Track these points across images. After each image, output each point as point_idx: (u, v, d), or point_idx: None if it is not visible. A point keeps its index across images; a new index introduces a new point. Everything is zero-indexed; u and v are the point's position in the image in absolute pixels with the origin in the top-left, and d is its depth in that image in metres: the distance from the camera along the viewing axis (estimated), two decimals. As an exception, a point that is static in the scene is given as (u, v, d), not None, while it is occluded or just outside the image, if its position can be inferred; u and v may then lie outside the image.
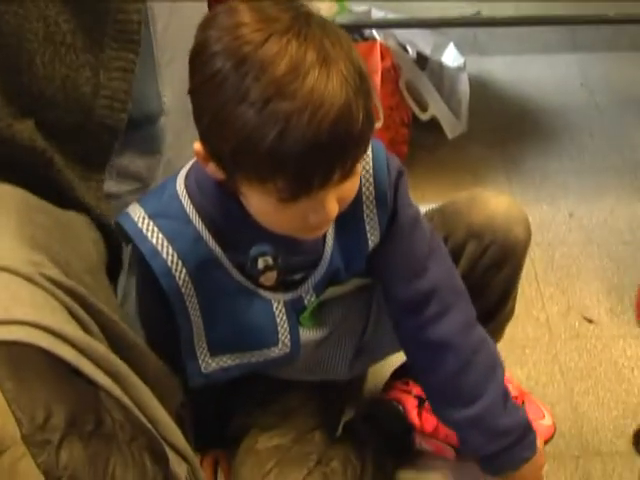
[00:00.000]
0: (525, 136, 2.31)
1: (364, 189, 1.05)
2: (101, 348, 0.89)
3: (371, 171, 1.05)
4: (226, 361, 1.13)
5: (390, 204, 1.08)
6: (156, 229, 1.01)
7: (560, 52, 2.61)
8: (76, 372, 0.85)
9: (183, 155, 1.27)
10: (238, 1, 0.88)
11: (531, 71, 2.56)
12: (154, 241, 1.01)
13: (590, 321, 1.79)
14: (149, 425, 0.91)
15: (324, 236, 1.08)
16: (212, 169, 0.94)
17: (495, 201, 1.23)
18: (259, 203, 0.93)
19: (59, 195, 1.07)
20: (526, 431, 1.20)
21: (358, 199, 1.02)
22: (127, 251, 1.11)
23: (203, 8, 1.23)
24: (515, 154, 2.25)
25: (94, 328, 0.93)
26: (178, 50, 1.18)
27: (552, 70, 2.55)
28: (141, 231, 1.01)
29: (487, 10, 2.48)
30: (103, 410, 0.85)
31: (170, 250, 1.01)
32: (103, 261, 1.11)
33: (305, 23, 0.86)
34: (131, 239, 1.02)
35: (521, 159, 2.23)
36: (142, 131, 1.20)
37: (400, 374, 1.44)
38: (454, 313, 1.16)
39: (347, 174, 0.90)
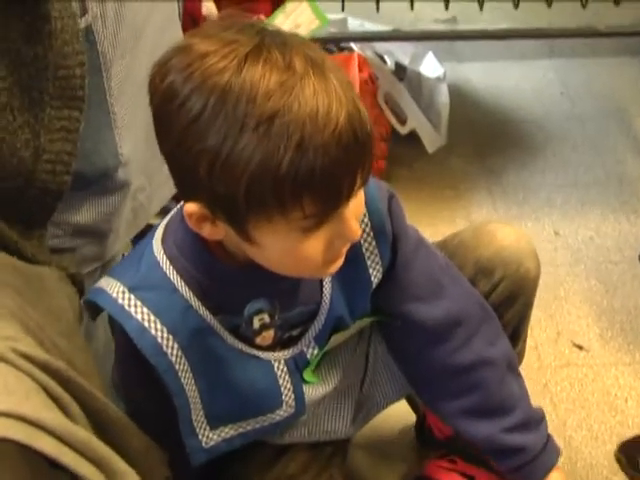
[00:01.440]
0: (507, 149, 2.25)
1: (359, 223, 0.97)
2: (82, 433, 0.80)
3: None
4: (228, 432, 1.05)
5: (389, 232, 1.02)
6: (139, 303, 0.92)
7: (537, 58, 2.56)
8: (55, 463, 0.77)
9: (154, 197, 1.20)
10: (186, 39, 0.81)
11: (509, 79, 2.50)
12: (139, 317, 0.91)
13: (580, 347, 1.73)
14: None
15: (321, 283, 1.01)
16: (208, 231, 0.85)
17: (502, 233, 1.16)
18: (279, 244, 0.84)
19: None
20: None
21: None
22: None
23: (156, 49, 1.12)
24: (497, 168, 2.19)
25: (73, 407, 0.84)
26: (134, 94, 1.09)
27: (530, 78, 2.50)
28: (123, 308, 0.91)
29: (461, 14, 2.44)
30: (84, 505, 0.77)
31: (158, 325, 0.92)
32: (79, 318, 1.02)
33: (274, 34, 0.79)
34: (113, 318, 0.93)
35: (503, 173, 2.17)
36: (99, 186, 1.10)
37: (443, 453, 1.34)
38: (485, 328, 1.11)
39: (366, 178, 0.83)
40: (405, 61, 2.13)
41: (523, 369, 1.64)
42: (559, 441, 1.54)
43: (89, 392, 0.88)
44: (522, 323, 1.23)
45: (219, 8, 1.32)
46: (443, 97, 2.11)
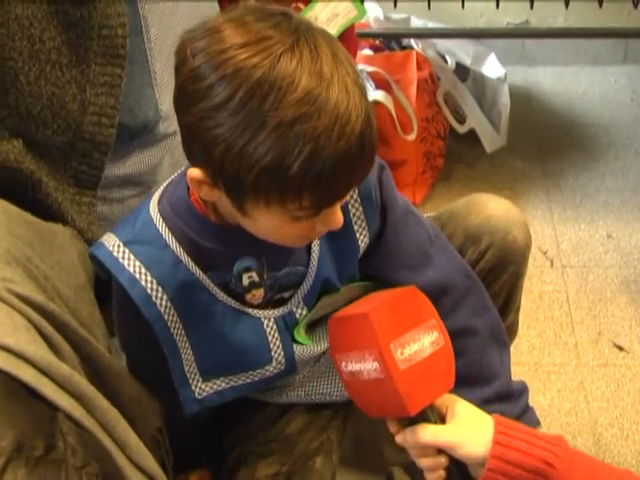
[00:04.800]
0: (569, 152, 2.24)
1: None
2: (64, 369, 0.86)
3: None
4: (220, 384, 1.09)
5: (377, 200, 1.06)
6: (132, 256, 0.97)
7: (610, 64, 2.53)
8: (35, 393, 0.83)
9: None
10: (219, 21, 0.84)
11: (579, 83, 2.49)
12: (131, 269, 0.96)
13: (620, 348, 1.71)
14: (111, 448, 0.88)
15: (309, 246, 1.05)
16: (205, 192, 0.90)
17: (493, 204, 1.19)
18: (269, 222, 0.89)
19: (48, 217, 1.05)
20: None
21: None
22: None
23: (192, 12, 1.20)
24: (557, 170, 2.18)
25: (65, 347, 0.90)
26: (172, 54, 1.16)
27: (601, 83, 2.48)
28: (117, 260, 0.97)
29: (535, 19, 2.44)
30: (58, 434, 0.82)
31: (149, 277, 0.96)
32: (90, 274, 1.08)
33: (308, 34, 0.83)
34: (107, 269, 0.98)
35: (562, 176, 2.16)
36: (142, 138, 1.18)
37: None
38: (471, 298, 1.13)
39: (363, 180, 0.89)
40: (467, 61, 2.14)
41: (560, 367, 1.67)
42: (588, 438, 1.55)
43: (83, 337, 0.94)
44: (513, 294, 1.23)
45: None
46: (504, 98, 2.12)
